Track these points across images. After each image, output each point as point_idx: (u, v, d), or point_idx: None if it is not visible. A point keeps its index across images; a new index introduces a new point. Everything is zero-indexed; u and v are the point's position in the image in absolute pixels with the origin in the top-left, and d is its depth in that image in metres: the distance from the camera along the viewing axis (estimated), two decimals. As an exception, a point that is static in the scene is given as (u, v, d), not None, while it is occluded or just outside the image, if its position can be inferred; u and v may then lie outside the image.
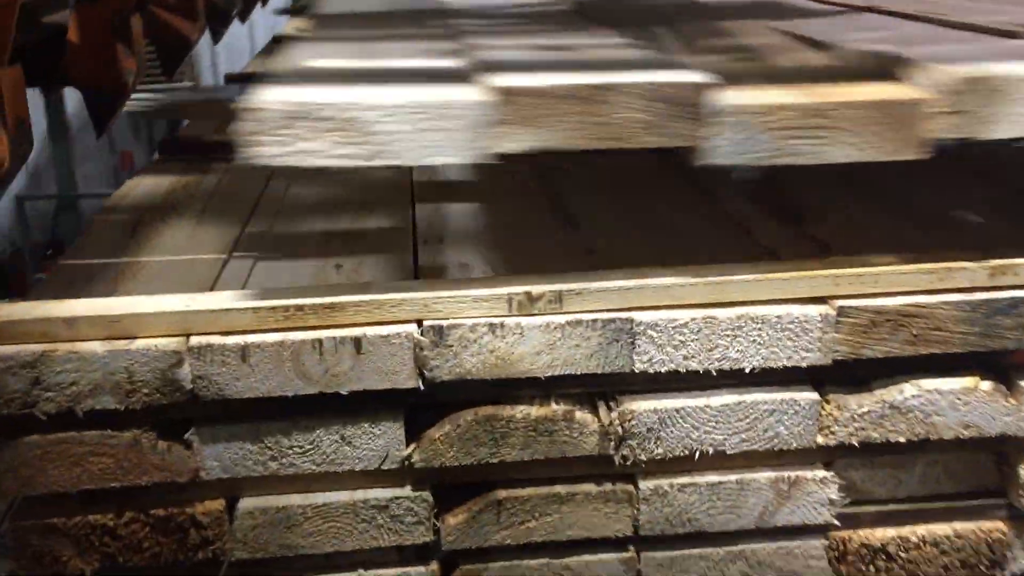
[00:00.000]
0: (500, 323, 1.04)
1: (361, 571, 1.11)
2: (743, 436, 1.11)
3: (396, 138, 0.95)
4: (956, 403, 1.12)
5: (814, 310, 1.07)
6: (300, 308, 1.02)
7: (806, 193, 1.44)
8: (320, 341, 1.02)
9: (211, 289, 1.15)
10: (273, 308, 1.02)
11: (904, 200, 1.44)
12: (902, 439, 1.12)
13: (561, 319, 1.05)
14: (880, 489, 1.18)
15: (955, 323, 1.09)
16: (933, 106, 0.99)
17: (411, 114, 0.95)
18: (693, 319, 1.06)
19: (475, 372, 1.05)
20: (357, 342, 1.03)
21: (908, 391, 1.11)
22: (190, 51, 2.25)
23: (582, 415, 1.08)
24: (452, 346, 1.04)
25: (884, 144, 1.01)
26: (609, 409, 1.10)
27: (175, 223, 1.42)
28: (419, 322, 1.04)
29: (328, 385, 1.03)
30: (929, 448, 1.15)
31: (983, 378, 1.13)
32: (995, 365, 1.13)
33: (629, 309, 1.06)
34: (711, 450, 1.11)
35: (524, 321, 1.04)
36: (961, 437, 1.13)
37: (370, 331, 1.03)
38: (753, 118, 0.98)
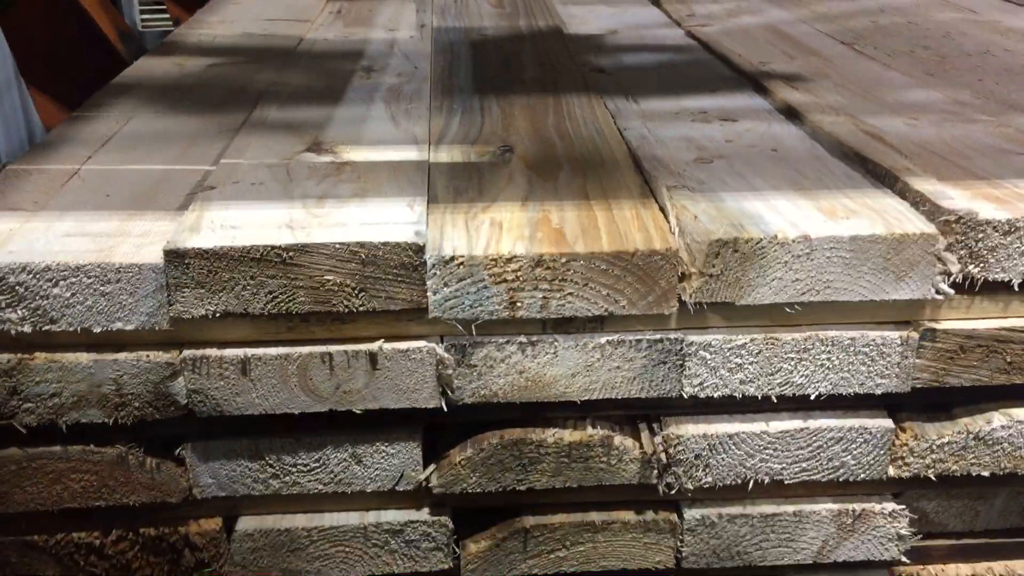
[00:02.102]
0: (532, 341, 0.91)
1: (373, 597, 1.02)
2: (804, 465, 0.98)
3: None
4: (1050, 436, 0.98)
5: (894, 333, 0.93)
6: (307, 318, 0.90)
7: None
8: (330, 355, 0.91)
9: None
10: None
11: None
12: (986, 472, 0.99)
13: (602, 338, 0.92)
14: (955, 521, 1.05)
15: (1057, 349, 0.95)
16: (686, 265, 0.90)
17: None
18: (753, 340, 0.93)
19: (502, 395, 0.93)
20: (372, 357, 0.91)
21: (997, 421, 0.98)
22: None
23: (622, 440, 0.96)
24: (476, 366, 0.92)
25: (632, 300, 0.89)
26: (652, 433, 0.97)
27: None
28: (441, 336, 0.92)
29: (339, 403, 0.92)
30: (1014, 480, 1.01)
31: (1084, 409, 0.98)
32: (1099, 394, 0.99)
33: (682, 328, 0.92)
34: (767, 479, 0.98)
35: (559, 339, 0.92)
36: (1052, 473, 0.99)
37: (387, 345, 0.91)
38: (481, 271, 0.87)
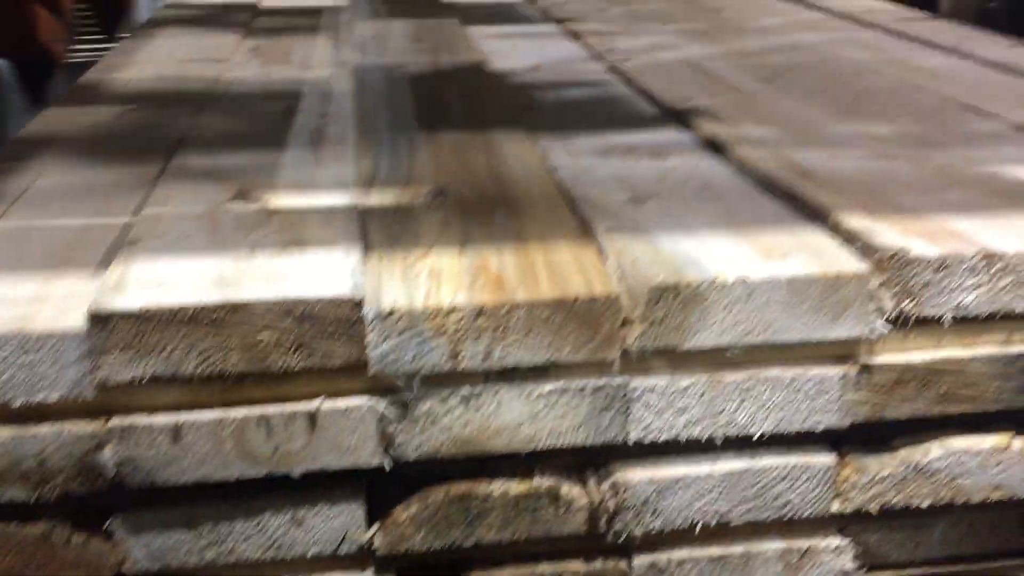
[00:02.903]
0: (475, 393, 0.90)
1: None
2: (750, 505, 0.98)
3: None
4: (985, 464, 1.00)
5: (833, 369, 0.94)
6: (241, 379, 0.87)
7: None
8: (267, 417, 0.87)
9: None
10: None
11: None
12: (926, 503, 1.00)
13: (546, 387, 0.90)
14: (897, 552, 1.06)
15: (989, 379, 0.97)
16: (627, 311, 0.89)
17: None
18: (696, 382, 0.92)
19: (447, 449, 0.91)
20: (311, 417, 0.88)
21: (934, 452, 0.99)
22: (128, 9, 2.05)
23: (569, 489, 0.95)
24: (419, 420, 0.90)
25: (575, 347, 0.89)
26: (600, 480, 0.96)
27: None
28: (382, 391, 0.89)
29: (277, 466, 0.89)
30: (952, 510, 1.03)
31: (1015, 435, 1.01)
32: (1028, 421, 1.01)
33: (626, 372, 0.92)
34: (714, 521, 0.98)
35: (503, 390, 0.90)
36: (989, 500, 1.01)
37: (327, 403, 0.88)
38: (421, 324, 0.86)
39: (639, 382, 0.92)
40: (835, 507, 0.99)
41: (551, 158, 1.24)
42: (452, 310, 0.86)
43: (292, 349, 0.85)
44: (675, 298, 0.88)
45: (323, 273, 0.89)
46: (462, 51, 1.90)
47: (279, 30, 2.13)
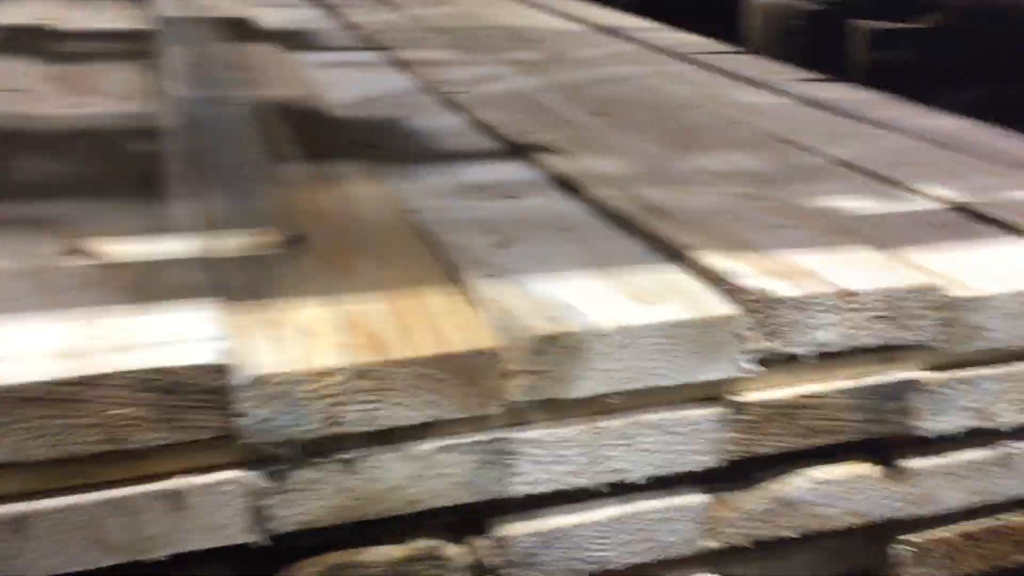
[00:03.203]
0: (355, 457, 0.85)
1: None
2: (631, 549, 0.98)
3: None
4: (844, 492, 1.04)
5: (708, 411, 0.96)
6: (97, 460, 0.78)
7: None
8: (125, 499, 0.79)
9: None
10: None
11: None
12: (792, 534, 1.04)
13: (428, 445, 0.87)
14: (761, 581, 1.10)
15: (846, 411, 1.01)
16: (508, 363, 0.86)
17: None
18: (578, 431, 0.92)
19: (325, 517, 0.86)
20: (175, 496, 0.80)
21: (799, 484, 1.03)
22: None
23: (450, 549, 0.91)
24: (295, 490, 0.84)
25: (458, 403, 0.85)
26: (482, 538, 0.93)
27: None
28: (253, 462, 0.83)
29: (138, 553, 0.81)
30: (813, 539, 1.07)
31: (868, 463, 1.06)
32: (878, 448, 1.06)
33: (507, 426, 0.89)
34: (597, 568, 0.97)
35: (384, 452, 0.86)
36: (849, 526, 1.06)
37: (192, 480, 0.81)
38: (297, 388, 0.80)
39: (521, 435, 0.90)
40: (709, 544, 1.01)
41: (405, 200, 1.21)
42: (330, 372, 0.81)
43: (154, 424, 0.78)
44: (557, 348, 0.87)
45: (183, 336, 0.82)
46: (290, 82, 1.83)
47: (83, 56, 1.99)
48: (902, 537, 1.11)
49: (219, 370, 0.79)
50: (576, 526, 0.95)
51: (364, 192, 1.23)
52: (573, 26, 2.67)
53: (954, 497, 1.10)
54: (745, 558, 1.06)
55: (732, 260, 1.03)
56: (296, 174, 1.29)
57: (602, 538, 0.96)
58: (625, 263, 1.03)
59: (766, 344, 0.96)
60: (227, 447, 0.81)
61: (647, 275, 1.00)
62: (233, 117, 1.56)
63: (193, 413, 0.79)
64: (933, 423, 1.05)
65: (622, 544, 0.97)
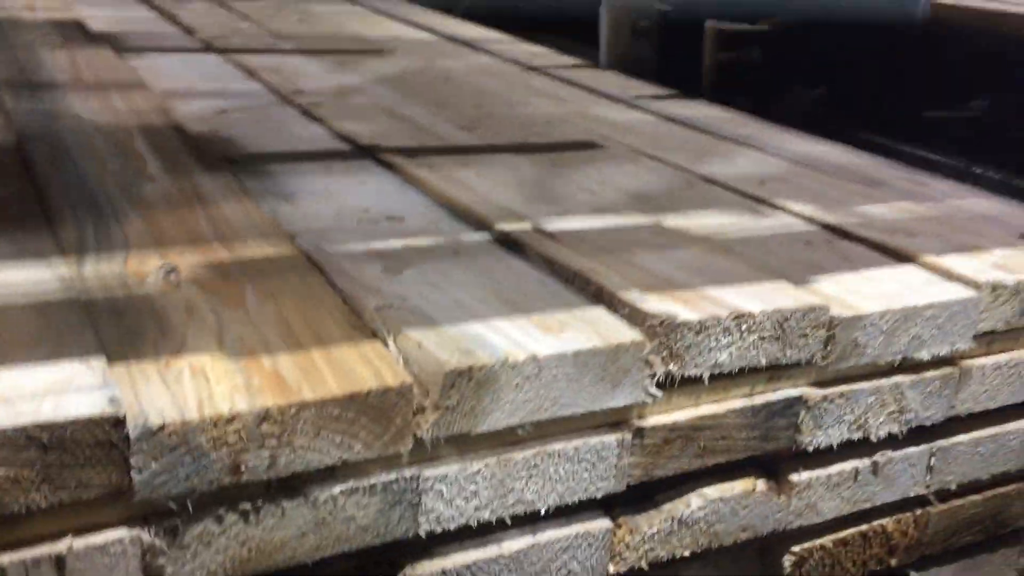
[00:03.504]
0: (256, 506, 0.80)
1: None
2: (535, 581, 0.96)
3: None
4: (736, 508, 1.06)
5: (611, 437, 0.95)
6: (-34, 527, 0.70)
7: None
8: (1, 568, 0.71)
9: None
10: (-81, 533, 0.69)
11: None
12: (687, 552, 1.05)
13: (334, 489, 0.83)
14: (656, 600, 1.10)
15: (739, 430, 1.03)
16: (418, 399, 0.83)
17: None
18: (487, 464, 0.89)
19: (223, 573, 0.80)
20: (59, 561, 0.73)
21: (695, 503, 1.04)
22: None
23: (357, 595, 0.87)
24: (190, 545, 0.78)
25: (368, 443, 0.81)
26: (388, 580, 0.90)
27: None
28: (145, 518, 0.76)
29: (15, 626, 0.73)
30: (705, 555, 1.08)
31: (757, 478, 1.08)
32: (766, 463, 1.09)
33: (415, 463, 0.86)
34: (502, 602, 0.95)
35: (287, 499, 0.81)
36: (739, 541, 1.08)
37: (78, 542, 0.74)
38: (197, 437, 0.74)
39: (430, 471, 0.87)
40: (611, 569, 1.01)
41: (286, 224, 1.15)
42: (232, 418, 0.76)
43: (36, 485, 0.70)
44: (469, 382, 0.85)
45: (66, 388, 0.75)
46: (135, 92, 1.72)
47: None
48: (784, 547, 1.15)
49: (110, 421, 0.72)
50: (483, 561, 0.92)
51: (236, 213, 1.16)
52: (425, 36, 2.64)
53: (832, 506, 1.14)
54: (641, 579, 1.07)
55: (629, 284, 1.03)
56: (159, 194, 1.21)
57: (508, 572, 0.94)
58: (523, 289, 1.02)
59: (668, 367, 0.96)
60: (119, 505, 0.75)
61: (548, 301, 0.99)
62: (79, 132, 1.44)
63: (81, 470, 0.72)
64: (817, 437, 1.09)
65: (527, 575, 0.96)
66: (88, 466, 0.72)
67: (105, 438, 0.72)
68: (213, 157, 1.38)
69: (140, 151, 1.38)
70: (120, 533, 0.75)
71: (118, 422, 0.72)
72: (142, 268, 0.99)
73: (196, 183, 1.26)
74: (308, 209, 1.21)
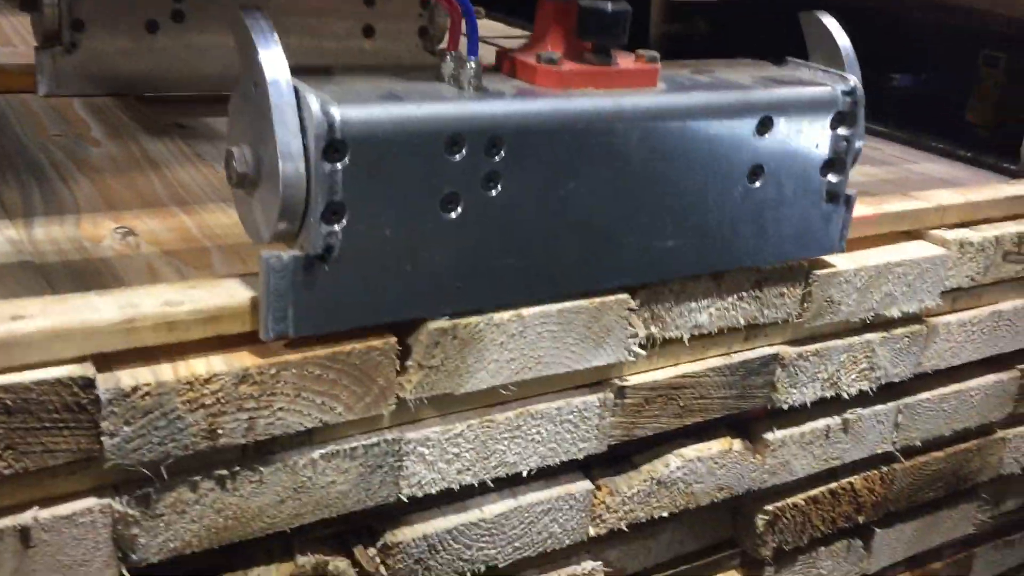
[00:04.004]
0: (233, 472, 0.76)
1: None
2: (517, 544, 0.94)
3: None
4: (713, 467, 1.06)
5: (593, 396, 0.93)
6: (-78, 499, 0.65)
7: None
8: (-40, 543, 0.66)
9: None
10: None
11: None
12: (666, 513, 1.04)
13: (313, 453, 0.79)
14: (632, 563, 1.09)
15: (717, 388, 1.02)
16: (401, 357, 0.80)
17: None
18: (469, 426, 0.87)
19: (198, 542, 0.76)
20: (24, 532, 0.68)
21: (673, 463, 1.03)
22: None
23: (336, 564, 0.84)
24: (164, 514, 0.74)
25: (349, 404, 0.78)
26: (369, 546, 0.86)
27: None
28: (116, 487, 0.72)
29: (-23, 604, 0.68)
30: (682, 515, 1.07)
31: (734, 438, 1.08)
32: (740, 423, 1.09)
33: (396, 426, 0.83)
34: (483, 567, 0.93)
35: (265, 464, 0.77)
36: (715, 500, 1.07)
37: (44, 512, 0.69)
38: (172, 399, 0.70)
39: (412, 434, 0.84)
40: (592, 531, 0.99)
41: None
42: (210, 378, 0.71)
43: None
44: (453, 340, 0.81)
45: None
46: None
47: None
48: (758, 507, 1.14)
49: (79, 383, 0.67)
50: (465, 525, 0.90)
51: (193, 179, 1.11)
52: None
53: (804, 464, 1.14)
54: (620, 541, 1.06)
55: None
56: (111, 158, 1.15)
57: (490, 536, 0.92)
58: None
59: (649, 329, 0.94)
60: (89, 472, 0.70)
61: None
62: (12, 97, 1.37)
63: (48, 435, 0.67)
64: (791, 395, 1.08)
65: (508, 540, 0.93)
66: (55, 431, 0.67)
67: (74, 400, 0.67)
68: (159, 120, 1.32)
69: (81, 116, 1.31)
70: (89, 502, 0.71)
71: (88, 383, 0.67)
72: (97, 231, 0.93)
73: (143, 144, 1.20)
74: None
